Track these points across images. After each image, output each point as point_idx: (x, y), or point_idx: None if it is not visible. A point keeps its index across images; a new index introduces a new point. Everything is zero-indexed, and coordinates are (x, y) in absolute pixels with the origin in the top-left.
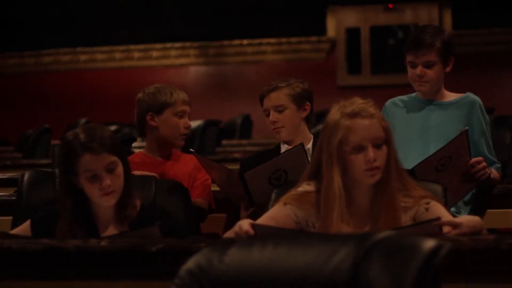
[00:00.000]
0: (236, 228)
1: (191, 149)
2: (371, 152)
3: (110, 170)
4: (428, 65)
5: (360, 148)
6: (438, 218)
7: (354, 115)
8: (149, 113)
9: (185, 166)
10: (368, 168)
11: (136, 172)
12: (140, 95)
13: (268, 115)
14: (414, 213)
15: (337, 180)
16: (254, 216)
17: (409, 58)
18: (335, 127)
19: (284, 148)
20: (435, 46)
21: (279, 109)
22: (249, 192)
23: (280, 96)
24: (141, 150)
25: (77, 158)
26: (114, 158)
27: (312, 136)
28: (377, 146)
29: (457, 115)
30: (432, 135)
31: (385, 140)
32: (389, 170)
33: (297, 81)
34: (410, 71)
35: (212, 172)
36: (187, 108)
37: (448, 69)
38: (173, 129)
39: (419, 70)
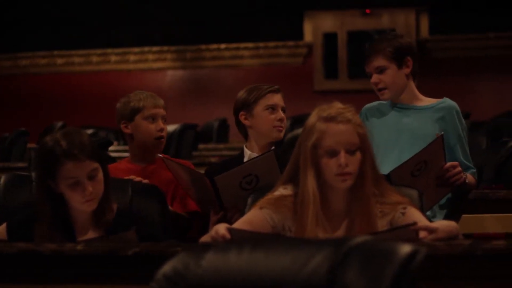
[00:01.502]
0: (212, 232)
1: (159, 154)
2: (342, 157)
3: (92, 176)
4: (379, 71)
5: (333, 153)
6: (415, 223)
7: (329, 119)
8: (123, 122)
9: (166, 174)
10: (339, 173)
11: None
12: (117, 104)
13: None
14: (390, 219)
15: (311, 182)
16: (224, 220)
17: (366, 69)
18: (311, 130)
19: (247, 155)
20: (382, 51)
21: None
22: (219, 196)
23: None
24: (126, 157)
25: (59, 165)
26: (96, 165)
27: None
28: (350, 152)
29: (433, 120)
30: (408, 140)
31: (360, 147)
32: (364, 176)
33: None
34: (371, 81)
35: (180, 177)
36: (158, 111)
37: (406, 70)
38: (146, 134)
39: (373, 77)
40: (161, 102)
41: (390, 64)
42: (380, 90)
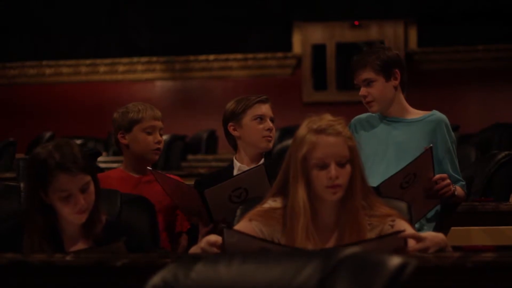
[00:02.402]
0: (201, 243)
1: (148, 167)
2: (333, 170)
3: (84, 189)
4: (367, 83)
5: (323, 165)
6: (403, 231)
7: (320, 131)
8: (120, 132)
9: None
10: (329, 186)
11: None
12: (114, 114)
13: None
14: (379, 231)
15: (301, 194)
16: (214, 232)
17: (354, 81)
18: (301, 142)
19: (237, 167)
20: (369, 64)
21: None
22: (209, 209)
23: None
24: (120, 166)
25: (51, 177)
26: (88, 178)
27: None
28: (340, 165)
29: (421, 133)
30: (397, 152)
31: (350, 160)
32: (353, 189)
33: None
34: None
35: (168, 189)
36: (156, 123)
37: (394, 82)
38: (143, 146)
39: (361, 90)
40: (159, 114)
41: (377, 77)
42: (368, 102)
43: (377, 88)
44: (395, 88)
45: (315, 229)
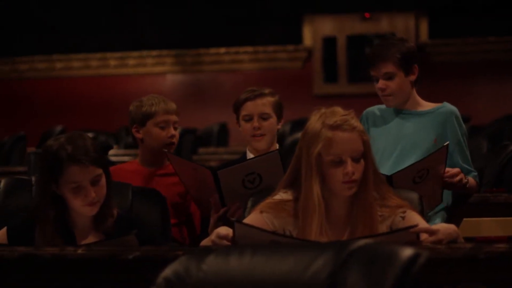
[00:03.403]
0: (213, 236)
1: (164, 149)
2: (349, 166)
3: (95, 182)
4: (388, 77)
5: (339, 161)
6: (415, 225)
7: (336, 127)
8: (134, 125)
9: (175, 178)
10: (346, 181)
11: None
12: (130, 106)
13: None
14: (390, 223)
15: (316, 190)
16: (225, 218)
17: (371, 72)
18: (316, 137)
19: (250, 156)
20: (391, 57)
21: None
22: (221, 191)
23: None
24: (126, 161)
25: (63, 169)
26: (100, 171)
27: None
28: (355, 160)
29: (432, 125)
30: (407, 145)
31: (364, 154)
32: (366, 182)
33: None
34: (375, 85)
35: (183, 173)
36: (170, 117)
37: (412, 77)
38: (157, 141)
39: (380, 83)
40: (173, 107)
41: (398, 71)
42: (385, 96)
43: (396, 82)
44: (412, 83)
45: (327, 223)
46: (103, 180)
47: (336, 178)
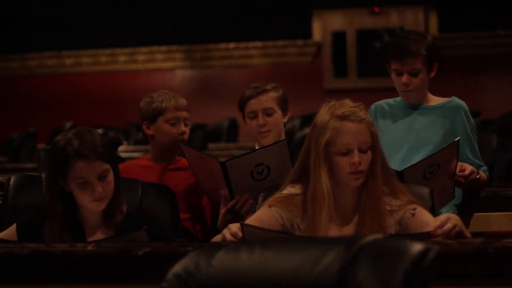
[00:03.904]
0: (224, 232)
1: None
2: (356, 156)
3: (102, 177)
4: (413, 73)
5: (346, 151)
6: (432, 232)
7: (343, 117)
8: (145, 122)
9: (186, 173)
10: (352, 172)
11: None
12: (141, 102)
13: None
14: (399, 218)
15: (325, 180)
16: (233, 210)
17: (394, 65)
18: (324, 128)
19: None
20: (420, 54)
21: None
22: (229, 183)
23: None
24: (136, 157)
25: (70, 165)
26: (107, 166)
27: None
28: (362, 151)
29: (441, 120)
30: (416, 139)
31: (371, 146)
32: (374, 174)
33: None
34: (396, 78)
35: (194, 165)
36: (181, 114)
37: (432, 74)
38: (167, 137)
39: (405, 78)
40: (184, 103)
41: (423, 68)
42: (407, 91)
43: (420, 78)
44: (429, 80)
45: (336, 214)
46: (111, 176)
47: (343, 168)
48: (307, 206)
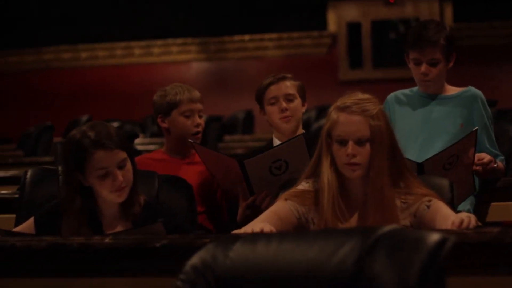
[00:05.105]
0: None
1: (189, 139)
2: (350, 148)
3: (122, 166)
4: (433, 63)
5: (342, 142)
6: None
7: (342, 109)
8: (159, 115)
9: (202, 166)
10: (347, 163)
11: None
12: (154, 96)
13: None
14: (414, 210)
15: (326, 169)
16: (253, 206)
17: (413, 55)
18: (327, 118)
19: (276, 144)
20: (440, 44)
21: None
22: (248, 180)
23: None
24: (152, 150)
25: (88, 157)
26: (125, 155)
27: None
28: (359, 143)
29: (457, 109)
30: (434, 129)
31: (370, 139)
32: (376, 168)
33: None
34: (414, 68)
35: (209, 163)
36: (195, 106)
37: (450, 65)
38: (182, 130)
39: (424, 68)
40: (198, 95)
41: (442, 58)
42: (426, 81)
43: (439, 69)
44: (447, 70)
45: (345, 205)
46: (129, 165)
47: (340, 158)
48: (319, 199)
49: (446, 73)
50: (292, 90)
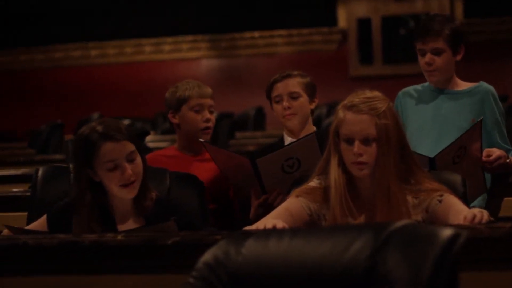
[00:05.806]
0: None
1: (200, 139)
2: (356, 147)
3: (131, 160)
4: (436, 52)
5: (349, 141)
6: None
7: (349, 108)
8: (170, 111)
9: (213, 164)
10: (353, 162)
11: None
12: (166, 93)
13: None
14: (426, 205)
15: (334, 167)
16: (266, 204)
17: (418, 45)
18: (334, 116)
19: (288, 140)
20: (443, 33)
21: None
22: (261, 179)
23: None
24: (163, 147)
25: (97, 149)
26: (133, 147)
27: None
28: (365, 142)
29: (469, 104)
30: (445, 124)
31: (377, 138)
32: (381, 167)
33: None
34: (420, 60)
35: (220, 161)
36: (205, 101)
37: (458, 57)
38: (192, 125)
39: (427, 57)
40: (209, 91)
41: (447, 49)
42: (431, 71)
43: (443, 59)
44: (456, 63)
45: (354, 203)
46: (139, 158)
47: (347, 157)
48: (329, 196)
49: (456, 68)
50: (296, 88)
